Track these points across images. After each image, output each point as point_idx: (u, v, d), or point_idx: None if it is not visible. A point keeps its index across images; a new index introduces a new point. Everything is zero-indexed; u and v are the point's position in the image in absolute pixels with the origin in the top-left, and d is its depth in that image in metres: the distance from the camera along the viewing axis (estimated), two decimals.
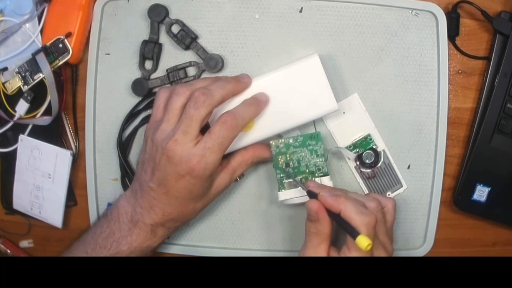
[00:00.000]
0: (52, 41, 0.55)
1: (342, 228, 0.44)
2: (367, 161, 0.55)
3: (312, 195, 0.47)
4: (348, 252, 0.43)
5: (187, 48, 0.56)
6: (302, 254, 0.47)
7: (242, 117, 0.48)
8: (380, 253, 0.45)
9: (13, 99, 0.57)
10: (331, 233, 0.46)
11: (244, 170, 0.53)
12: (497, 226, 0.56)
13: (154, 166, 0.48)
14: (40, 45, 0.56)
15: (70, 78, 0.58)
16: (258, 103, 0.50)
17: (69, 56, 0.55)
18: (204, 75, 0.56)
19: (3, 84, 0.57)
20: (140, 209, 0.49)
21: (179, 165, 0.46)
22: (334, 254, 0.45)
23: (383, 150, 0.55)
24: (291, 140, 0.53)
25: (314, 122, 0.55)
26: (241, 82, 0.50)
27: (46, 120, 0.56)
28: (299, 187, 0.52)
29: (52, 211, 0.58)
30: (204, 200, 0.51)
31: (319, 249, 0.46)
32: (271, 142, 0.53)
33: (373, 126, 0.55)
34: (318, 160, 0.53)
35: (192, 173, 0.46)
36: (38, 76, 0.55)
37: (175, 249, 0.58)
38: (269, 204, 0.57)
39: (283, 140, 0.53)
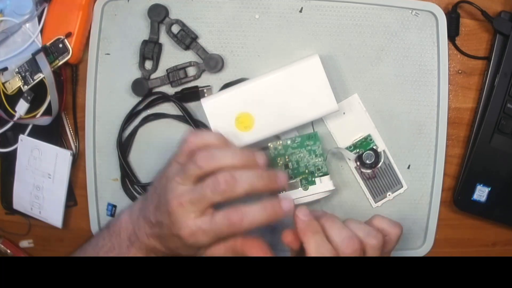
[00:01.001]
0: (52, 41, 0.55)
1: None
2: (368, 161, 0.55)
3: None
4: None
5: (187, 48, 0.56)
6: None
7: (250, 222, 0.43)
8: None
9: (13, 99, 0.57)
10: None
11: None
12: (497, 226, 0.56)
13: (158, 204, 0.46)
14: (40, 45, 0.56)
15: (70, 78, 0.58)
16: (275, 213, 0.44)
17: (69, 56, 0.55)
18: (204, 75, 0.56)
19: (3, 84, 0.57)
20: (138, 231, 0.48)
21: (173, 224, 0.44)
22: None
23: (383, 151, 0.55)
24: (289, 142, 0.53)
25: (312, 123, 0.55)
26: (276, 183, 0.44)
27: (46, 120, 0.56)
28: (299, 188, 0.53)
29: (52, 211, 0.58)
30: (195, 253, 0.47)
31: None
32: (269, 144, 0.53)
33: (373, 127, 0.55)
34: (317, 160, 0.53)
35: (180, 239, 0.44)
36: (38, 76, 0.55)
37: None
38: None
39: (281, 142, 0.53)
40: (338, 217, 0.46)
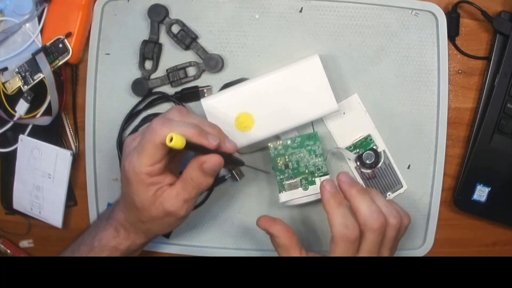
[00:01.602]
0: (52, 41, 0.55)
1: None
2: (368, 161, 0.55)
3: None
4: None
5: (187, 48, 0.56)
6: None
7: (170, 127, 0.43)
8: None
9: (13, 99, 0.57)
10: (294, 239, 0.47)
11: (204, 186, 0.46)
12: (497, 226, 0.56)
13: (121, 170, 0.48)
14: (40, 45, 0.56)
15: (70, 78, 0.58)
16: (198, 134, 0.43)
17: (69, 56, 0.55)
18: (204, 75, 0.56)
19: (3, 84, 0.57)
20: (116, 204, 0.51)
21: (127, 181, 0.45)
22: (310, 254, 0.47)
23: (383, 151, 0.55)
24: (289, 142, 0.53)
25: (312, 123, 0.55)
26: (206, 139, 0.43)
27: (46, 120, 0.56)
28: (300, 188, 0.53)
29: (52, 211, 0.58)
30: (148, 215, 0.46)
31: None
32: (269, 144, 0.53)
33: (373, 127, 0.55)
34: (317, 160, 0.53)
35: (124, 174, 0.46)
36: (38, 76, 0.55)
37: (175, 249, 0.58)
38: (269, 205, 0.57)
39: (281, 142, 0.53)
40: (366, 190, 0.47)
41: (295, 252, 0.47)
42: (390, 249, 0.47)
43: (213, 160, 0.44)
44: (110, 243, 0.49)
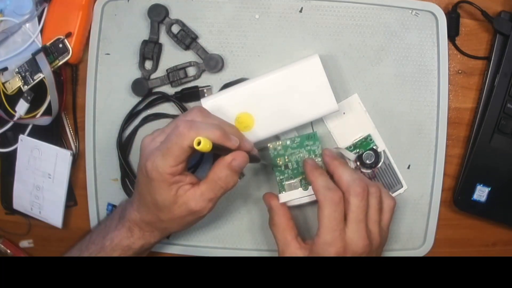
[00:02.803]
0: (52, 41, 0.55)
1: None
2: (368, 161, 0.55)
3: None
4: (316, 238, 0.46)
5: (187, 48, 0.56)
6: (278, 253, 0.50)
7: (197, 132, 0.43)
8: (359, 238, 0.46)
9: (13, 99, 0.57)
10: (291, 223, 0.50)
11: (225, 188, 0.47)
12: (497, 226, 0.56)
13: (139, 168, 0.49)
14: (40, 45, 0.56)
15: (70, 78, 0.58)
16: (222, 137, 0.44)
17: (69, 56, 0.55)
18: (204, 75, 0.56)
19: (3, 84, 0.57)
20: (129, 204, 0.51)
21: (149, 180, 0.46)
22: (303, 244, 0.49)
23: (383, 151, 0.55)
24: (288, 142, 0.53)
25: (312, 123, 0.55)
26: (230, 140, 0.45)
27: (46, 120, 0.56)
28: (299, 188, 0.53)
29: (52, 211, 0.58)
30: (169, 214, 0.47)
31: (286, 241, 0.49)
32: (268, 144, 0.53)
33: (373, 127, 0.55)
34: (316, 160, 0.53)
35: (144, 173, 0.46)
36: (38, 76, 0.55)
37: (175, 249, 0.58)
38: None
39: (280, 142, 0.53)
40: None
41: (290, 235, 0.49)
42: (378, 224, 0.48)
43: (240, 157, 0.46)
44: (123, 242, 0.50)
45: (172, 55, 0.57)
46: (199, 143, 0.41)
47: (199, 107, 0.49)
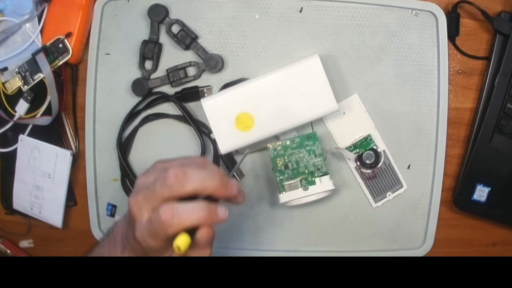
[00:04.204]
0: (52, 41, 0.55)
1: None
2: (368, 161, 0.55)
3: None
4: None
5: (187, 48, 0.56)
6: None
7: (181, 220, 0.40)
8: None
9: (13, 99, 0.57)
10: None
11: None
12: (497, 226, 0.56)
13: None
14: (40, 45, 0.56)
15: (70, 78, 0.58)
16: (209, 217, 0.42)
17: (69, 56, 0.55)
18: (204, 75, 0.56)
19: (3, 84, 0.57)
20: (127, 233, 0.47)
21: (133, 225, 0.43)
22: None
23: (383, 151, 0.55)
24: (288, 142, 0.53)
25: (312, 123, 0.55)
26: (227, 188, 0.42)
27: (46, 120, 0.56)
28: (299, 188, 0.52)
29: (52, 211, 0.58)
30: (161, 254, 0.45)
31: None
32: (268, 145, 0.53)
33: (373, 127, 0.55)
34: (316, 160, 0.53)
35: (137, 243, 0.43)
36: (38, 76, 0.55)
37: None
38: (269, 205, 0.57)
39: (280, 143, 0.53)
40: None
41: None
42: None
43: (205, 234, 0.43)
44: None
45: (172, 55, 0.57)
46: (178, 248, 0.40)
47: (193, 165, 0.43)
